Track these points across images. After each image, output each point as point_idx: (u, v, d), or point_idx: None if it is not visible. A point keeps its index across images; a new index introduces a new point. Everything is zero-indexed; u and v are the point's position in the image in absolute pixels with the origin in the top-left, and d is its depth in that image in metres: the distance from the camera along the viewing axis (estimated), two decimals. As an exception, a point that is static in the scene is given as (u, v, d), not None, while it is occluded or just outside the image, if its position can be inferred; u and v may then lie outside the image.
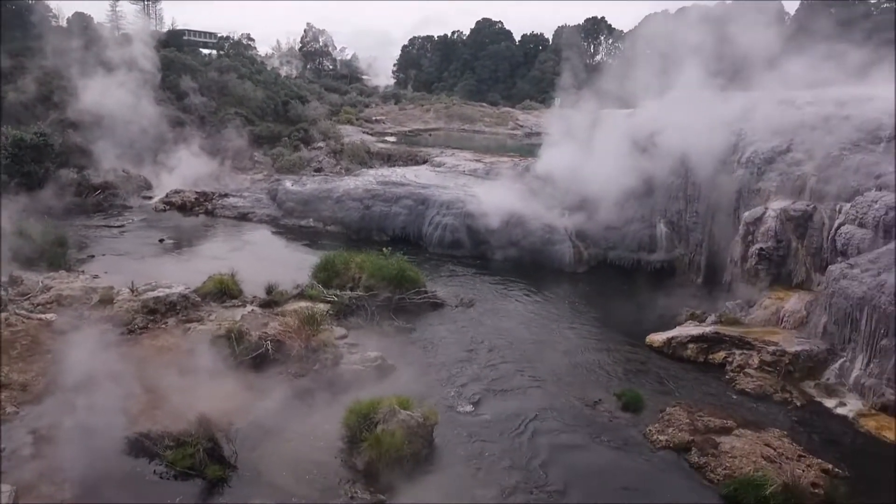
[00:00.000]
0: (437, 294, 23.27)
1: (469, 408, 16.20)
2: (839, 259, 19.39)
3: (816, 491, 13.15)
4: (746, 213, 23.08)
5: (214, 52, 71.20)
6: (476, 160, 41.83)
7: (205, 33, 78.23)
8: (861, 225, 19.29)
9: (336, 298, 21.41)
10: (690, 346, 19.74)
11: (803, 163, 22.32)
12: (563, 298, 24.67)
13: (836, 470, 14.00)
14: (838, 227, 20.04)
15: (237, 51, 67.39)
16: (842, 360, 17.99)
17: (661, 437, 15.08)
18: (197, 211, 36.26)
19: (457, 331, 20.97)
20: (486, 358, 19.03)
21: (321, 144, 48.42)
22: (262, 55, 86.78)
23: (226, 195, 38.01)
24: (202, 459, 12.99)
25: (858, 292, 17.33)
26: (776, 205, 22.23)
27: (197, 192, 38.02)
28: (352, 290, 22.30)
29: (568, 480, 13.45)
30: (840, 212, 20.28)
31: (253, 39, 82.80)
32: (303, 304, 20.86)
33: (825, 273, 19.44)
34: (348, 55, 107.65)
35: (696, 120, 26.86)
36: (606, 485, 13.55)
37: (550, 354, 19.51)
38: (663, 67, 32.90)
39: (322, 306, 20.73)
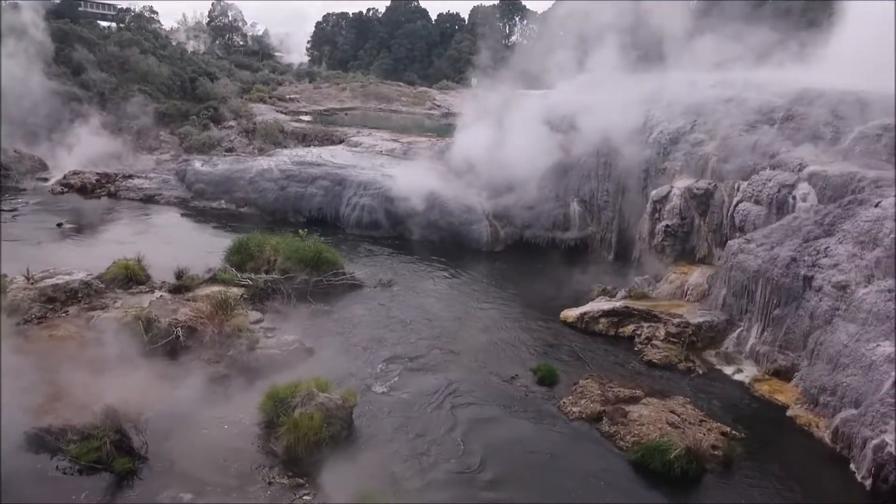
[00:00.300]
0: (355, 275, 23.09)
1: (388, 387, 16.25)
2: (737, 234, 20.54)
3: (716, 452, 14.01)
4: (653, 192, 24.05)
5: (114, 24, 67.18)
6: (393, 140, 41.53)
7: (102, 4, 73.69)
8: (756, 202, 20.47)
9: (251, 282, 20.88)
10: (602, 320, 20.47)
11: (705, 143, 23.42)
12: (481, 277, 25.01)
13: (734, 432, 14.96)
14: (736, 205, 21.19)
15: (139, 24, 63.69)
16: (739, 329, 19.14)
17: (575, 409, 15.64)
18: (99, 193, 34.37)
19: (376, 311, 20.92)
20: (405, 337, 19.12)
21: (232, 123, 46.74)
22: (167, 29, 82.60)
23: (130, 176, 36.19)
24: (109, 452, 12.46)
25: (754, 265, 18.44)
26: (681, 183, 23.26)
27: (98, 174, 36.02)
28: (267, 273, 21.80)
29: (485, 454, 13.76)
30: (738, 190, 21.43)
31: (156, 12, 78.23)
32: (215, 288, 20.22)
33: (725, 248, 20.56)
34: (260, 31, 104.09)
35: (608, 101, 27.71)
36: (522, 456, 13.94)
37: (468, 332, 19.80)
38: (577, 49, 33.66)
39: (236, 290, 20.18)
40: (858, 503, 13.11)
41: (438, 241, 28.37)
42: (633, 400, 15.99)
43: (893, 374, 13.79)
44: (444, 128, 50.71)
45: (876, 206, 16.92)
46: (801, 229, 18.17)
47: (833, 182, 18.50)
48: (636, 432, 14.55)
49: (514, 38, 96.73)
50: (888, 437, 13.16)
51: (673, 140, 24.37)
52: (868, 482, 13.34)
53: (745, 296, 18.95)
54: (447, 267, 25.61)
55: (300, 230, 24.53)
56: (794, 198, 19.41)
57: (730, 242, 20.13)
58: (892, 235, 15.81)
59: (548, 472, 13.49)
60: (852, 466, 13.90)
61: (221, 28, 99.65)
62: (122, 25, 64.78)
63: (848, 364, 15.09)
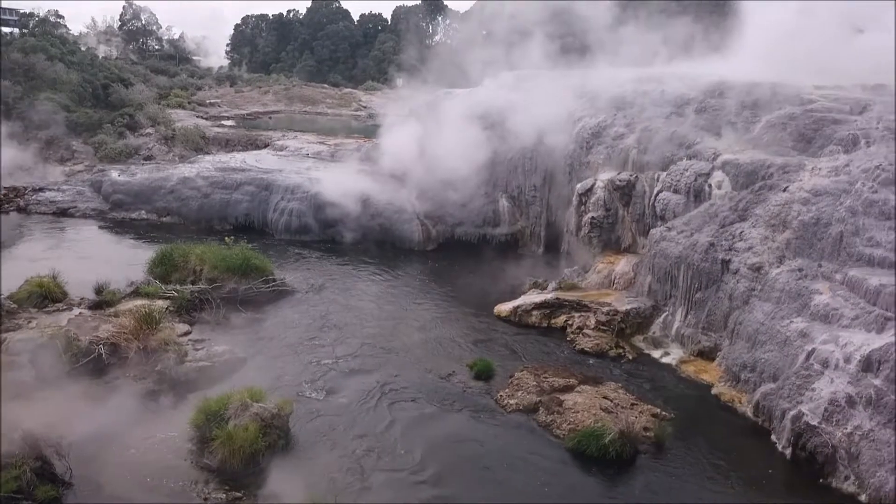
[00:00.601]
0: (285, 281, 22.68)
1: (325, 391, 16.06)
2: (659, 223, 21.28)
3: (648, 434, 14.51)
4: (578, 185, 24.63)
5: (16, 30, 63.70)
6: (320, 143, 41.04)
7: (3, 9, 69.69)
8: (675, 191, 21.26)
9: (176, 294, 20.21)
10: (535, 312, 20.84)
11: (626, 136, 24.14)
12: (414, 276, 25.04)
13: (664, 413, 15.53)
14: (657, 194, 21.94)
15: (44, 29, 60.55)
16: (665, 314, 19.85)
17: (512, 401, 15.86)
18: (7, 209, 32.44)
19: (309, 315, 20.63)
20: (340, 339, 18.93)
21: (150, 131, 45.06)
22: (75, 34, 78.99)
23: (41, 189, 34.34)
24: (30, 480, 11.82)
25: (675, 252, 19.16)
26: (604, 176, 23.90)
27: (5, 188, 34.01)
28: (193, 283, 21.16)
29: (426, 452, 13.79)
30: (658, 180, 22.19)
31: (62, 17, 74.79)
32: (139, 302, 19.48)
33: (648, 236, 21.27)
34: (176, 34, 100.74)
35: (532, 98, 28.21)
36: (462, 451, 14.05)
37: (403, 331, 19.78)
38: (500, 47, 34.11)
39: (161, 303, 19.50)
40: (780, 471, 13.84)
41: (370, 243, 28.18)
42: (568, 388, 16.34)
43: (807, 347, 14.60)
44: (371, 129, 50.37)
45: (784, 190, 17.87)
46: (717, 215, 19.00)
47: (745, 169, 19.41)
48: (572, 420, 14.88)
49: (437, 38, 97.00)
50: (804, 408, 13.93)
51: (595, 134, 25.03)
52: (788, 451, 14.10)
53: (668, 281, 19.67)
54: (380, 268, 25.51)
55: (227, 238, 23.91)
56: (709, 186, 20.26)
57: (652, 231, 20.84)
58: (800, 218, 16.73)
59: (487, 465, 13.62)
60: (773, 437, 14.66)
61: (134, 32, 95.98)
62: (25, 31, 61.49)
63: (765, 341, 15.89)
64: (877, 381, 13.04)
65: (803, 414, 13.89)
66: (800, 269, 16.18)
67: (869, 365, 13.28)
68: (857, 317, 14.36)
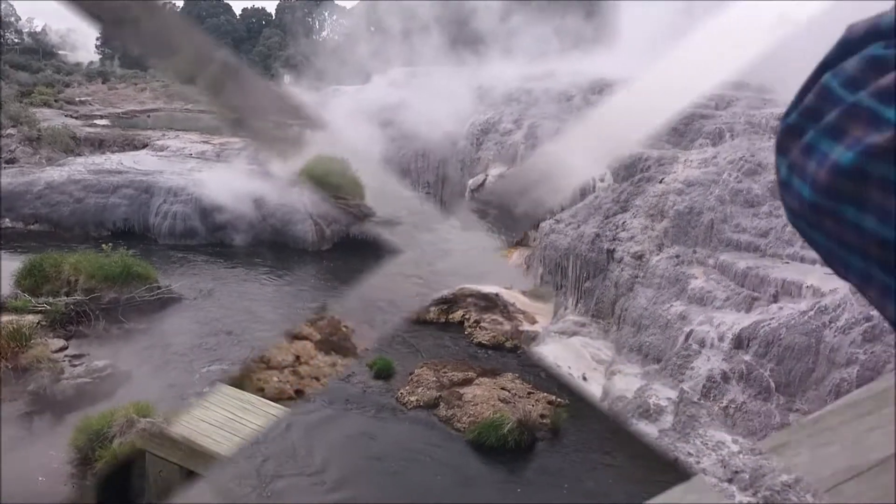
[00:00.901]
0: (172, 288, 21.60)
1: (218, 403, 15.44)
2: (548, 216, 22.00)
3: (544, 421, 14.99)
4: (470, 181, 25.06)
5: None
6: (204, 142, 39.33)
7: None
8: (562, 185, 22.06)
9: (49, 307, 18.77)
10: (432, 308, 20.98)
11: (514, 132, 24.81)
12: (308, 277, 24.60)
13: (559, 399, 16.09)
14: (545, 188, 22.70)
15: None
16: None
17: (412, 398, 15.92)
18: None
19: (197, 322, 19.78)
20: (232, 345, 18.29)
21: (11, 131, 41.43)
22: (-82, 25, 71.52)
23: None
24: None
25: (564, 243, 19.91)
26: (494, 171, 24.46)
27: None
28: (68, 295, 19.72)
29: (327, 455, 13.58)
30: (545, 174, 22.95)
31: None
32: (6, 318, 17.90)
33: (538, 229, 21.95)
34: (38, 27, 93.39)
35: (422, 94, 28.39)
36: (364, 451, 13.95)
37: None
38: (390, 43, 34.05)
39: (31, 318, 18.05)
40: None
41: (262, 245, 27.38)
42: (467, 382, 16.60)
43: (685, 329, 15.59)
44: (258, 127, 48.78)
45: (660, 182, 18.98)
46: (601, 207, 19.90)
47: (624, 162, 20.42)
48: (471, 412, 15.12)
49: (324, 34, 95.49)
50: (685, 386, 14.86)
51: (484, 130, 25.55)
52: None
53: (559, 272, 20.40)
54: (272, 270, 24.84)
55: (104, 245, 22.48)
56: (593, 178, 21.16)
57: (542, 224, 21.53)
58: (676, 207, 17.83)
59: (390, 463, 13.61)
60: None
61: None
62: None
63: (649, 325, 16.82)
64: (747, 357, 14.12)
65: (685, 392, 14.81)
66: (677, 256, 17.25)
67: (740, 342, 14.35)
68: (728, 298, 15.50)
